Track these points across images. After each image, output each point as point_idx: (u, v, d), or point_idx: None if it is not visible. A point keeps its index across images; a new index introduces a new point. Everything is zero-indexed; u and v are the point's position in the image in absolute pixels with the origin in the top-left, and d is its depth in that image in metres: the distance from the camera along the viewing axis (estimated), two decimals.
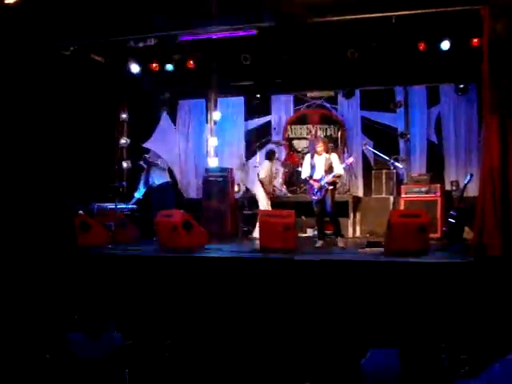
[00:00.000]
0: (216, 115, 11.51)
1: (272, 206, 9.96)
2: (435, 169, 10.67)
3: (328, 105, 11.70)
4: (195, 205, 10.79)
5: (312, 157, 8.28)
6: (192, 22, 7.91)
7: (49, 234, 8.90)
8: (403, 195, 9.63)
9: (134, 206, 10.25)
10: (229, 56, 10.25)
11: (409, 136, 10.91)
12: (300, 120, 11.95)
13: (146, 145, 12.13)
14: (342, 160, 8.81)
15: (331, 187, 8.05)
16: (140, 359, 4.95)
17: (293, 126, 11.93)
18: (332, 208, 8.07)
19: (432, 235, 7.94)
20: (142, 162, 10.52)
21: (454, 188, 9.86)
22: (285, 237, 7.25)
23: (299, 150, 11.60)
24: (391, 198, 10.00)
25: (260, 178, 9.88)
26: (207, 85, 11.43)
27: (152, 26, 8.10)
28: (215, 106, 11.75)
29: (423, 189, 9.52)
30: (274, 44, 9.53)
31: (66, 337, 4.23)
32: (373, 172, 10.68)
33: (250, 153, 11.81)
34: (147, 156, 10.31)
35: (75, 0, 7.95)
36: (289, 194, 10.64)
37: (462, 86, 10.42)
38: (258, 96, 11.72)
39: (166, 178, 10.31)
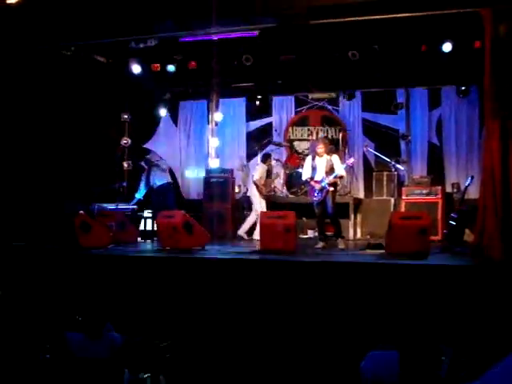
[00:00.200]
0: (217, 116, 11.51)
1: (272, 207, 9.96)
2: (436, 171, 10.67)
3: (329, 106, 11.70)
4: (196, 205, 10.80)
5: (313, 158, 8.27)
6: (193, 23, 7.90)
7: (49, 234, 8.91)
8: (404, 197, 9.63)
9: (135, 207, 10.25)
10: (230, 57, 10.24)
11: (410, 138, 10.91)
12: (301, 121, 11.95)
13: (147, 145, 12.15)
14: (343, 161, 8.81)
15: (332, 189, 8.04)
16: (140, 360, 4.96)
17: (294, 128, 11.93)
18: (333, 209, 8.06)
19: (433, 237, 7.93)
20: (142, 163, 10.53)
21: (454, 190, 9.86)
22: (285, 238, 7.24)
23: (300, 151, 11.60)
24: (392, 200, 9.99)
25: (254, 179, 9.89)
26: (208, 86, 11.44)
27: (153, 27, 8.10)
28: (216, 106, 11.76)
29: (424, 191, 9.51)
30: (276, 45, 9.52)
31: (65, 337, 4.22)
32: (374, 174, 10.68)
33: (251, 154, 11.80)
34: (148, 157, 10.31)
35: (76, 0, 7.95)
36: (290, 196, 10.63)
37: (463, 88, 10.41)
38: (260, 97, 11.72)
39: (167, 179, 10.31)
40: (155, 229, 8.49)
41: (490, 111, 6.72)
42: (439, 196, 9.41)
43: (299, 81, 11.05)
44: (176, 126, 12.57)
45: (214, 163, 11.15)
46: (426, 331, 3.03)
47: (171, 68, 10.59)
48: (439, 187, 9.62)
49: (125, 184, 10.85)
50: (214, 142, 11.40)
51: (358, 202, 10.39)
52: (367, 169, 11.21)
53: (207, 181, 10.68)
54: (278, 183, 11.01)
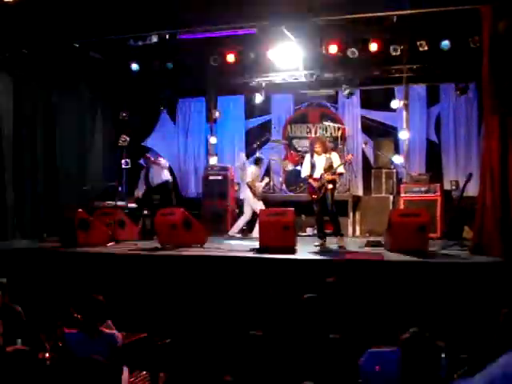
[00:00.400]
0: (216, 114, 11.50)
1: (271, 205, 9.95)
2: (435, 168, 10.67)
3: (328, 103, 11.70)
4: (195, 203, 10.79)
5: (312, 156, 8.27)
6: (191, 20, 7.89)
7: (48, 232, 8.91)
8: (403, 194, 9.62)
9: (134, 205, 10.24)
10: (228, 54, 10.22)
11: (409, 135, 10.91)
12: (300, 119, 11.94)
13: (146, 143, 12.14)
14: (342, 159, 8.81)
15: (331, 186, 8.03)
16: (140, 358, 4.96)
17: (293, 125, 11.93)
18: (332, 207, 8.06)
19: (431, 235, 7.93)
20: (141, 161, 10.51)
21: (453, 187, 9.86)
22: (284, 236, 7.25)
23: (299, 149, 11.60)
24: (391, 198, 10.02)
25: (247, 181, 9.90)
26: (207, 83, 11.43)
27: (152, 24, 8.08)
28: (215, 104, 11.76)
29: (423, 188, 9.51)
30: (273, 42, 9.50)
31: (65, 335, 4.22)
32: (372, 171, 10.68)
33: (249, 151, 11.80)
34: (148, 155, 10.30)
35: None
36: (289, 193, 10.63)
37: (462, 85, 10.40)
38: (259, 94, 11.70)
39: (167, 177, 10.30)
40: (154, 226, 8.48)
41: (488, 108, 6.73)
42: (438, 193, 9.41)
43: (297, 78, 11.03)
44: (174, 123, 12.56)
45: (213, 161, 11.14)
46: (425, 328, 3.03)
47: (170, 65, 10.58)
48: (438, 184, 9.61)
49: (124, 182, 10.83)
50: (212, 140, 11.40)
51: (356, 200, 10.39)
52: (366, 166, 11.21)
53: (206, 178, 10.69)
54: (277, 181, 11.01)
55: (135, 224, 9.48)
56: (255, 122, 12.17)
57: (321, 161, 8.11)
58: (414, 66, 10.20)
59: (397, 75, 10.58)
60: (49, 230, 9.21)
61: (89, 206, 9.53)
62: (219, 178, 10.53)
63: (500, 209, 6.46)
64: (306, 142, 11.37)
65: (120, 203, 9.88)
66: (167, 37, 8.95)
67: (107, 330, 4.43)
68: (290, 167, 10.83)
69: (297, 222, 7.89)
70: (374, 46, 9.39)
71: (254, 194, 9.81)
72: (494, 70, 6.56)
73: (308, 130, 11.78)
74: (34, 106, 9.61)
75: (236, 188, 10.78)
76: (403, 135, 10.63)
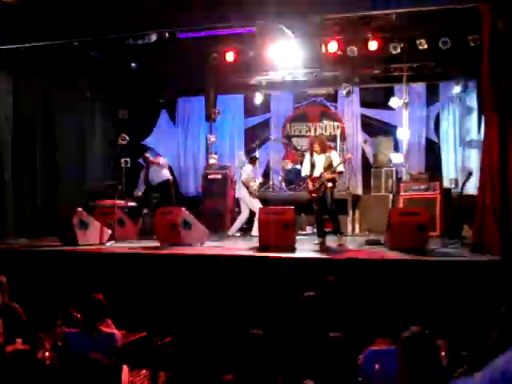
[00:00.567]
0: (215, 113, 11.50)
1: (271, 203, 9.96)
2: (434, 167, 10.67)
3: (328, 102, 11.70)
4: (194, 202, 10.79)
5: (311, 155, 8.27)
6: (191, 18, 7.88)
7: (48, 232, 8.90)
8: (402, 193, 9.62)
9: (134, 204, 10.24)
10: (228, 52, 10.22)
11: (408, 134, 10.91)
12: (300, 117, 11.94)
13: (146, 142, 12.13)
14: (341, 157, 8.82)
15: (331, 185, 8.03)
16: (140, 357, 4.96)
17: (292, 124, 11.93)
18: (331, 206, 8.06)
19: (431, 233, 7.93)
20: (141, 160, 10.49)
21: (453, 186, 9.86)
22: (284, 234, 7.24)
23: (298, 147, 11.59)
24: (390, 196, 10.02)
25: (242, 179, 9.89)
26: (207, 82, 11.42)
27: (151, 23, 8.07)
28: (215, 103, 11.75)
29: (422, 187, 9.50)
30: (272, 40, 9.49)
31: (64, 335, 4.22)
32: (372, 170, 10.68)
33: (249, 150, 11.80)
34: (146, 154, 10.28)
35: None
36: (288, 192, 10.63)
37: (461, 83, 10.40)
38: (258, 93, 11.70)
39: (167, 176, 10.29)
40: (154, 225, 8.47)
41: (488, 107, 6.72)
42: (437, 192, 9.40)
43: (298, 77, 11.03)
44: (174, 122, 12.56)
45: (213, 160, 11.14)
46: (425, 327, 3.02)
47: (169, 64, 10.56)
48: (437, 183, 9.60)
49: (123, 181, 10.83)
50: (212, 139, 11.39)
51: (356, 198, 10.39)
52: (365, 165, 11.21)
53: (206, 177, 10.69)
54: (277, 180, 11.01)
55: (135, 223, 9.47)
56: (255, 120, 12.17)
57: (320, 160, 8.11)
58: (414, 65, 10.20)
59: (396, 74, 10.59)
60: (48, 229, 9.20)
61: (88, 205, 9.53)
62: (219, 177, 10.53)
63: (500, 207, 6.46)
64: (306, 141, 11.37)
65: (119, 202, 9.87)
66: (167, 35, 8.95)
67: (107, 329, 4.43)
68: (290, 166, 10.83)
69: (296, 221, 7.88)
70: (373, 45, 9.39)
71: (250, 192, 9.81)
72: (493, 69, 6.55)
73: (307, 129, 11.78)
74: (33, 106, 9.60)
75: (236, 187, 10.79)
76: (403, 134, 10.62)
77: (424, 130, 11.08)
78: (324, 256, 7.04)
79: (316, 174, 8.10)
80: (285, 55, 9.55)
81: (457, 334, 4.58)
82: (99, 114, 11.12)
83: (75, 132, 10.44)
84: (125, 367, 4.42)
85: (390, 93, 11.03)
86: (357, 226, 10.28)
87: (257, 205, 9.61)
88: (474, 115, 10.61)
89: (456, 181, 9.92)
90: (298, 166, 10.14)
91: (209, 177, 10.63)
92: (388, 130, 11.11)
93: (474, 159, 10.45)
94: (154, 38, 8.87)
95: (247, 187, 9.82)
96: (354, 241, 8.84)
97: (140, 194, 10.36)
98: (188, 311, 6.29)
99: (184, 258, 7.01)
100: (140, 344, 4.97)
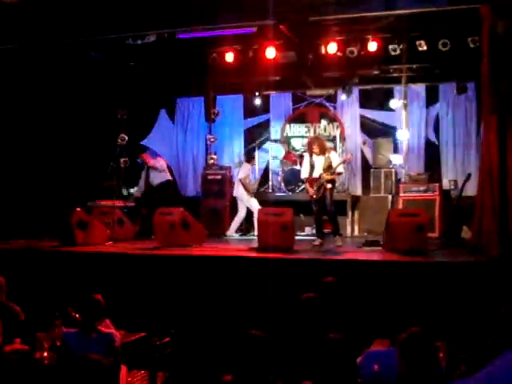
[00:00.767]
0: (215, 113, 11.49)
1: (268, 204, 9.94)
2: (434, 168, 10.67)
3: (327, 103, 11.70)
4: (193, 203, 10.78)
5: (310, 156, 8.27)
6: (190, 19, 7.88)
7: (47, 232, 8.89)
8: (402, 194, 9.62)
9: (133, 204, 10.23)
10: (227, 53, 10.21)
11: (408, 135, 10.91)
12: (299, 118, 11.94)
13: (145, 142, 12.11)
14: (341, 158, 8.82)
15: (330, 186, 8.04)
16: (139, 357, 4.95)
17: (291, 125, 11.92)
18: (331, 207, 8.06)
19: (430, 234, 7.93)
20: (139, 160, 10.47)
21: (452, 187, 9.86)
22: (283, 235, 7.24)
23: (297, 148, 11.59)
24: (390, 197, 10.02)
25: (239, 177, 9.89)
26: (206, 82, 11.41)
27: (150, 23, 8.07)
28: (214, 103, 11.75)
29: (422, 188, 9.51)
30: (272, 41, 9.50)
31: (63, 335, 4.21)
32: (371, 171, 10.68)
33: (248, 151, 11.80)
34: (144, 155, 10.27)
35: None
36: (287, 193, 10.62)
37: (461, 84, 10.40)
38: (257, 94, 11.70)
39: (167, 177, 10.28)
40: (153, 226, 8.46)
41: (487, 108, 6.72)
42: (437, 193, 9.41)
43: (297, 77, 11.02)
44: (173, 122, 12.55)
45: (212, 160, 11.14)
46: (423, 328, 3.02)
47: (169, 64, 10.55)
48: (437, 184, 9.61)
49: (122, 181, 10.82)
50: (211, 139, 11.39)
51: (355, 200, 10.39)
52: (365, 166, 11.21)
53: (205, 178, 10.68)
54: (276, 181, 11.00)
55: (134, 223, 9.46)
56: (254, 121, 12.16)
57: (320, 161, 8.12)
58: (414, 66, 10.20)
59: (396, 75, 10.58)
60: (47, 229, 9.18)
61: (87, 205, 9.52)
62: (218, 177, 10.53)
63: (499, 209, 6.46)
64: (305, 142, 11.37)
65: (118, 202, 9.87)
66: (166, 36, 8.94)
67: (106, 330, 4.42)
68: (289, 166, 10.83)
69: (295, 222, 7.88)
70: (373, 46, 9.38)
71: (248, 190, 9.80)
72: (493, 70, 6.56)
73: (307, 130, 11.78)
74: (33, 105, 9.58)
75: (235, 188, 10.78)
76: (402, 135, 10.62)
77: (423, 131, 11.07)
78: (323, 257, 7.04)
79: (315, 175, 8.10)
80: (284, 56, 9.56)
81: (455, 335, 4.58)
82: (98, 113, 11.09)
83: (75, 132, 10.41)
84: (123, 367, 4.41)
85: (389, 94, 11.03)
86: (356, 227, 10.27)
87: (254, 204, 9.61)
88: (474, 116, 10.61)
89: (455, 182, 9.92)
90: (298, 167, 10.14)
91: (208, 177, 10.62)
92: (387, 131, 11.11)
93: (473, 160, 10.45)
94: (153, 38, 8.87)
95: (244, 185, 9.82)
96: (353, 242, 8.84)
97: (140, 194, 10.34)
98: (187, 312, 6.28)
99: (183, 259, 7.01)
100: (139, 344, 4.96)
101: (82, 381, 3.30)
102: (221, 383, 3.28)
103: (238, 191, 9.92)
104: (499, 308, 3.79)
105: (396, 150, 10.81)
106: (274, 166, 11.21)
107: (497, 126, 6.52)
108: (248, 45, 9.93)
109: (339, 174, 8.51)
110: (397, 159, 10.47)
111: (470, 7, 6.97)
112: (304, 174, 8.30)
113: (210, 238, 8.64)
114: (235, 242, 9.21)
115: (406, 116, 10.67)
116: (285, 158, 11.43)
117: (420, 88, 11.04)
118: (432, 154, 11.00)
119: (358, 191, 11.11)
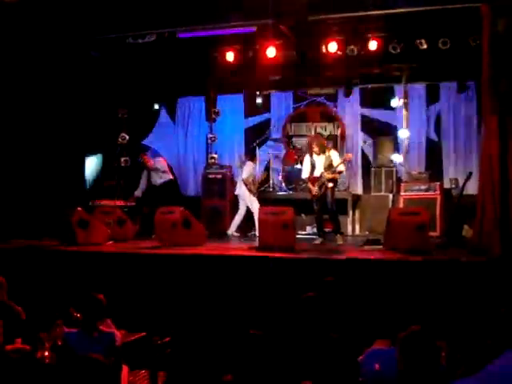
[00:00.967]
0: (215, 112, 11.49)
1: (269, 203, 9.94)
2: (434, 167, 10.66)
3: (328, 102, 11.69)
4: (194, 202, 10.78)
5: (311, 155, 8.27)
6: (191, 18, 7.88)
7: (48, 231, 8.89)
8: (402, 193, 9.62)
9: (133, 203, 10.23)
10: (228, 52, 10.21)
11: (408, 134, 10.90)
12: (300, 117, 11.93)
13: (145, 142, 12.12)
14: (341, 157, 8.82)
15: (331, 185, 8.04)
16: (140, 357, 4.96)
17: (292, 124, 11.91)
18: (332, 205, 8.07)
19: (431, 233, 7.93)
20: (139, 160, 10.46)
21: (453, 186, 9.85)
22: (284, 234, 7.25)
23: (298, 147, 11.58)
24: (390, 196, 10.01)
25: (243, 178, 9.86)
26: (206, 82, 11.41)
27: (151, 22, 8.07)
28: (215, 103, 11.74)
29: (423, 187, 9.50)
30: (272, 40, 9.50)
31: (64, 334, 4.22)
32: (372, 170, 10.67)
33: (249, 150, 11.78)
34: (144, 155, 10.27)
35: None
36: (288, 192, 10.62)
37: (462, 83, 10.39)
38: (258, 93, 11.69)
39: (169, 177, 10.28)
40: (154, 225, 8.46)
41: (488, 107, 6.72)
42: (438, 192, 9.40)
43: (298, 76, 11.02)
44: (174, 122, 12.55)
45: (212, 159, 11.14)
46: (424, 327, 3.02)
47: (170, 64, 10.55)
48: (438, 183, 9.60)
49: (123, 180, 10.83)
50: (211, 138, 11.39)
51: (356, 198, 10.39)
52: (366, 165, 11.20)
53: (205, 177, 10.68)
54: (277, 179, 11.00)
55: (134, 223, 9.46)
56: (255, 120, 12.16)
57: (320, 160, 8.13)
58: (414, 65, 10.19)
59: (396, 74, 10.57)
60: (48, 228, 9.19)
61: (88, 204, 9.52)
62: (219, 176, 10.53)
63: (499, 208, 6.46)
64: (306, 141, 11.36)
65: (119, 202, 9.87)
66: (166, 35, 8.94)
67: (107, 329, 4.43)
68: (290, 166, 10.83)
69: (296, 221, 7.88)
70: (373, 45, 9.37)
71: (250, 190, 9.79)
72: (493, 69, 6.56)
73: (308, 129, 11.77)
74: (33, 105, 9.58)
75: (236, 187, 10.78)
76: (403, 134, 10.62)
77: (424, 130, 11.06)
78: (324, 256, 7.04)
79: (316, 174, 8.10)
80: (285, 55, 9.55)
81: (456, 334, 4.58)
82: (99, 112, 11.09)
83: (75, 131, 10.41)
84: (124, 367, 4.42)
85: (390, 93, 11.02)
86: (357, 226, 10.27)
87: (255, 204, 9.60)
88: (474, 115, 10.60)
89: (456, 181, 9.91)
90: (298, 166, 10.13)
91: (208, 176, 10.62)
92: (388, 130, 11.10)
93: (474, 159, 10.44)
94: (153, 37, 8.87)
95: (247, 185, 9.81)
96: (353, 241, 8.84)
97: (140, 194, 10.33)
98: (188, 311, 6.28)
99: (183, 258, 7.02)
100: (140, 344, 4.96)
101: (83, 380, 3.30)
102: (221, 383, 3.28)
103: (241, 189, 9.92)
104: (499, 308, 3.79)
105: (397, 149, 10.80)
106: (275, 165, 11.21)
107: (497, 125, 6.52)
108: (248, 44, 9.92)
109: (340, 172, 8.51)
110: (397, 158, 10.46)
111: (470, 6, 6.96)
112: (305, 174, 8.31)
113: (211, 238, 8.64)
114: (236, 241, 9.21)
115: (407, 115, 10.67)
116: (286, 157, 11.43)
117: (421, 87, 11.02)
118: (433, 153, 10.99)
119: (359, 190, 11.10)
